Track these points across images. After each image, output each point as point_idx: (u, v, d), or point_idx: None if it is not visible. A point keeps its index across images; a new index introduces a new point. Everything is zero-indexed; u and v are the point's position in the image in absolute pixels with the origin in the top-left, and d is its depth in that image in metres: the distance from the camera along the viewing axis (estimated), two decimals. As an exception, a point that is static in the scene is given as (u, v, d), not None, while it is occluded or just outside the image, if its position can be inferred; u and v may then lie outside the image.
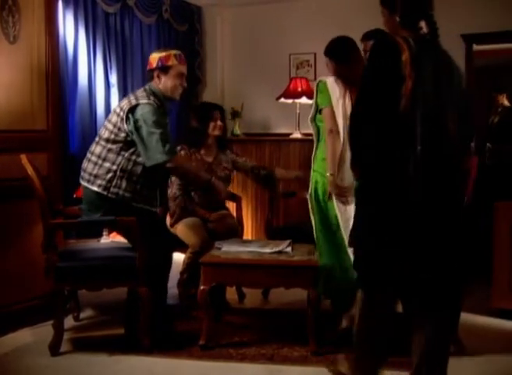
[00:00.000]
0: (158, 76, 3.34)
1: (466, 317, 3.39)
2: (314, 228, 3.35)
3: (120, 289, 3.32)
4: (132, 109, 3.21)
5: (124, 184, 3.22)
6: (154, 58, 3.36)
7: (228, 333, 3.37)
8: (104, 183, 3.22)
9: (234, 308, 3.86)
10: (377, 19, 5.67)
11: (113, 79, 4.92)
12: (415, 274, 2.24)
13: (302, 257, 3.23)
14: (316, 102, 3.33)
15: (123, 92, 5.00)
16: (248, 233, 5.27)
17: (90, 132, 4.62)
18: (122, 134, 3.23)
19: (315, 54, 5.68)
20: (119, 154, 3.24)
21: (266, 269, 3.13)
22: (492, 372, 2.92)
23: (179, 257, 3.85)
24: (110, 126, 3.28)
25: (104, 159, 3.25)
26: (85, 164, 3.32)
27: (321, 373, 2.87)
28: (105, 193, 3.21)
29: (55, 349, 3.09)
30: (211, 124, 3.95)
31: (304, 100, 5.23)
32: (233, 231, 3.84)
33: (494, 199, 3.66)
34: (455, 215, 2.31)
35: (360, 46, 3.29)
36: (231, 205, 4.42)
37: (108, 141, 3.26)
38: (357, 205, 2.44)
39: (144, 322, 3.11)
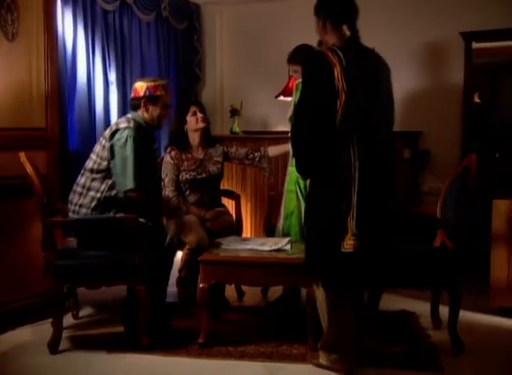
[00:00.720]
0: (145, 106, 3.33)
1: (465, 315, 3.40)
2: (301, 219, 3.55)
3: (119, 287, 3.31)
4: (112, 135, 3.22)
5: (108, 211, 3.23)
6: (141, 86, 3.34)
7: (227, 331, 3.37)
8: (89, 211, 3.23)
9: (233, 306, 3.86)
10: (374, 17, 5.68)
11: (112, 77, 4.91)
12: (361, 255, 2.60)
13: (301, 255, 3.23)
14: (294, 101, 3.38)
15: (122, 90, 5.00)
16: (247, 230, 5.27)
17: (89, 130, 4.62)
18: (105, 163, 3.24)
19: (314, 52, 5.67)
20: (102, 182, 3.25)
21: (265, 267, 3.13)
22: (492, 370, 2.92)
23: (177, 255, 3.85)
24: (94, 156, 3.28)
25: (89, 189, 3.25)
26: (71, 196, 3.32)
27: (320, 370, 2.88)
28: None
29: (54, 347, 3.09)
30: (193, 119, 3.89)
31: (303, 98, 5.21)
32: (230, 228, 3.84)
33: (492, 196, 3.66)
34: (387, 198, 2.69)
35: None
36: (230, 203, 4.42)
37: (92, 171, 3.27)
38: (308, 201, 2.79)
39: (143, 320, 3.11)
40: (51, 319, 3.20)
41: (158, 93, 3.35)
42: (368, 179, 2.56)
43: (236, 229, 3.91)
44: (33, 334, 3.37)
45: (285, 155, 4.00)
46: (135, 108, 3.38)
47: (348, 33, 2.68)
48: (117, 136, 3.21)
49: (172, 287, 3.65)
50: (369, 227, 2.61)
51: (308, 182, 2.99)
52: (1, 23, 3.35)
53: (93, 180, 3.26)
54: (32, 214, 3.39)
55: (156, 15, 5.38)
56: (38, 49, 3.57)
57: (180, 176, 3.88)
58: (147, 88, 3.33)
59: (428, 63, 5.27)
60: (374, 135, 2.60)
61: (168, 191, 3.87)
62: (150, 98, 3.33)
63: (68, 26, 4.43)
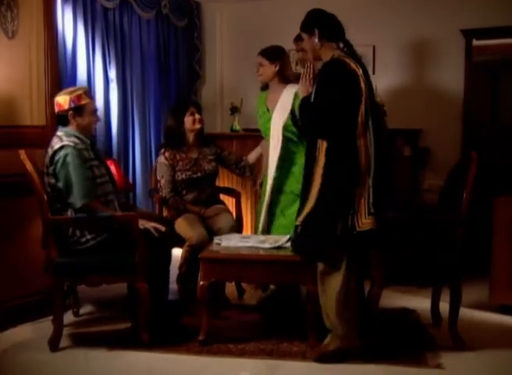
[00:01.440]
0: (74, 118, 3.24)
1: (465, 312, 3.40)
2: None
3: (120, 284, 3.32)
4: (51, 160, 3.17)
5: (89, 232, 3.19)
6: (64, 99, 3.23)
7: (227, 329, 3.38)
8: (75, 239, 3.19)
9: (233, 304, 3.86)
10: (374, 15, 5.68)
11: (112, 74, 4.91)
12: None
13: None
14: (293, 108, 3.35)
15: (122, 87, 5.00)
16: (247, 228, 5.26)
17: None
18: (56, 188, 3.17)
19: (315, 49, 5.66)
20: (65, 209, 3.20)
21: (265, 265, 3.13)
22: (492, 367, 2.92)
23: (177, 252, 3.85)
24: (47, 188, 3.20)
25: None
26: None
27: (321, 367, 2.88)
28: (81, 247, 3.19)
29: (54, 345, 3.09)
30: (189, 119, 3.90)
31: (303, 95, 5.21)
32: (230, 225, 3.84)
33: (493, 194, 3.66)
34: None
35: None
36: (230, 201, 4.42)
37: (53, 203, 3.18)
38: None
39: (143, 317, 3.11)
40: (51, 317, 3.21)
41: (83, 102, 3.26)
42: (379, 163, 2.88)
43: (235, 226, 3.92)
44: (33, 332, 3.37)
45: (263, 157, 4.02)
46: (63, 123, 3.27)
47: (341, 45, 3.01)
48: (56, 158, 3.15)
49: (172, 285, 3.66)
50: (380, 208, 2.87)
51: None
52: (1, 21, 3.35)
53: (55, 211, 3.19)
54: (32, 212, 3.38)
55: (156, 12, 5.37)
56: (38, 47, 3.57)
57: (176, 177, 3.88)
58: (71, 100, 3.22)
59: (428, 61, 5.26)
60: (378, 126, 2.97)
61: (164, 192, 3.87)
62: (76, 109, 3.24)
63: (68, 24, 4.43)
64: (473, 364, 2.93)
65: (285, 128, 3.58)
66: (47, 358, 3.01)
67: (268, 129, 3.70)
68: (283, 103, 3.62)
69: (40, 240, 3.22)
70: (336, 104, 2.83)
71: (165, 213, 4.03)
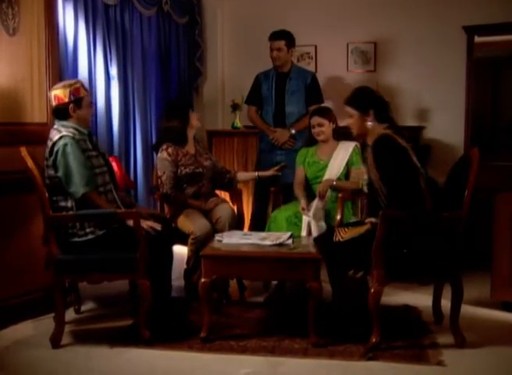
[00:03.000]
0: (74, 111, 3.26)
1: (467, 309, 3.40)
2: None
3: (121, 281, 3.32)
4: (50, 152, 3.18)
5: (88, 224, 3.19)
6: (64, 92, 3.24)
7: (229, 326, 3.37)
8: (74, 231, 3.19)
9: (235, 301, 3.86)
10: (377, 12, 5.66)
11: (113, 71, 4.90)
12: None
13: (303, 249, 3.23)
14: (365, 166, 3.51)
15: (123, 84, 4.99)
16: (248, 224, 5.26)
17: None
18: (56, 180, 3.19)
19: (316, 46, 5.66)
20: (66, 201, 3.21)
21: (267, 262, 3.13)
22: (494, 364, 2.92)
23: (181, 250, 3.85)
24: (47, 181, 3.21)
25: (60, 211, 3.20)
26: None
27: (322, 364, 2.88)
28: (79, 239, 3.19)
29: (55, 342, 3.10)
30: (194, 116, 4.04)
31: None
32: (229, 213, 3.88)
33: (494, 191, 3.65)
34: None
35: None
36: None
37: (53, 194, 3.19)
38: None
39: (144, 314, 3.11)
40: (52, 314, 3.22)
41: (82, 94, 3.29)
42: None
43: (234, 215, 3.95)
44: (35, 329, 3.37)
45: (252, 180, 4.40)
46: (62, 116, 3.28)
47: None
48: (55, 149, 3.16)
49: (178, 281, 3.66)
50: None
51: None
52: (2, 18, 3.35)
53: (57, 202, 3.21)
54: (33, 208, 3.38)
55: (157, 9, 5.36)
56: (39, 44, 3.57)
57: (179, 171, 3.89)
58: (71, 93, 3.24)
59: (430, 57, 5.25)
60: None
61: (165, 188, 3.88)
62: (76, 102, 3.26)
63: (69, 21, 4.42)
64: (474, 361, 2.93)
65: (339, 177, 4.03)
66: (48, 356, 3.01)
67: (319, 177, 4.08)
68: (340, 157, 4.07)
69: (42, 237, 3.22)
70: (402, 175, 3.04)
71: (165, 210, 4.03)
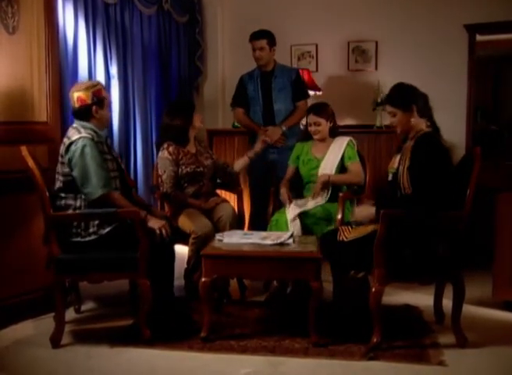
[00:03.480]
0: (97, 111, 3.28)
1: (469, 309, 3.39)
2: None
3: (121, 281, 3.31)
4: (67, 150, 3.18)
5: (95, 224, 3.19)
6: (86, 94, 3.25)
7: (229, 326, 3.37)
8: (78, 231, 3.20)
9: (235, 300, 3.85)
10: (378, 10, 5.63)
11: (113, 70, 4.89)
12: None
13: (304, 249, 3.22)
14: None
15: (123, 83, 4.98)
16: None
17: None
18: (69, 178, 3.20)
19: (317, 45, 5.65)
20: (75, 199, 3.22)
21: (268, 262, 3.12)
22: (495, 364, 2.91)
23: (182, 249, 3.84)
24: (58, 177, 3.23)
25: (66, 209, 3.21)
26: None
27: (322, 364, 2.87)
28: (81, 239, 3.20)
29: (56, 341, 3.09)
30: (198, 117, 4.05)
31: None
32: (230, 212, 3.88)
33: (496, 190, 3.64)
34: None
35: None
36: (232, 197, 4.41)
37: (61, 191, 3.22)
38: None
39: (144, 314, 3.10)
40: (53, 314, 3.21)
41: (103, 94, 3.32)
42: None
43: (235, 214, 3.94)
44: (35, 329, 3.37)
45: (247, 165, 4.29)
46: (83, 117, 3.28)
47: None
48: (72, 148, 3.16)
49: (177, 281, 3.64)
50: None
51: None
52: (2, 16, 3.34)
53: (66, 199, 3.21)
54: (34, 208, 3.37)
55: (157, 8, 5.35)
56: (39, 42, 3.56)
57: (180, 171, 3.89)
58: (93, 93, 3.26)
59: (431, 56, 5.24)
60: None
61: (166, 187, 3.87)
62: (99, 102, 3.28)
63: (69, 20, 4.41)
64: (476, 361, 2.92)
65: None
66: (48, 355, 3.00)
67: (314, 175, 4.04)
68: (334, 152, 4.03)
69: (42, 236, 3.22)
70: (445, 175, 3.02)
71: (166, 209, 4.03)
